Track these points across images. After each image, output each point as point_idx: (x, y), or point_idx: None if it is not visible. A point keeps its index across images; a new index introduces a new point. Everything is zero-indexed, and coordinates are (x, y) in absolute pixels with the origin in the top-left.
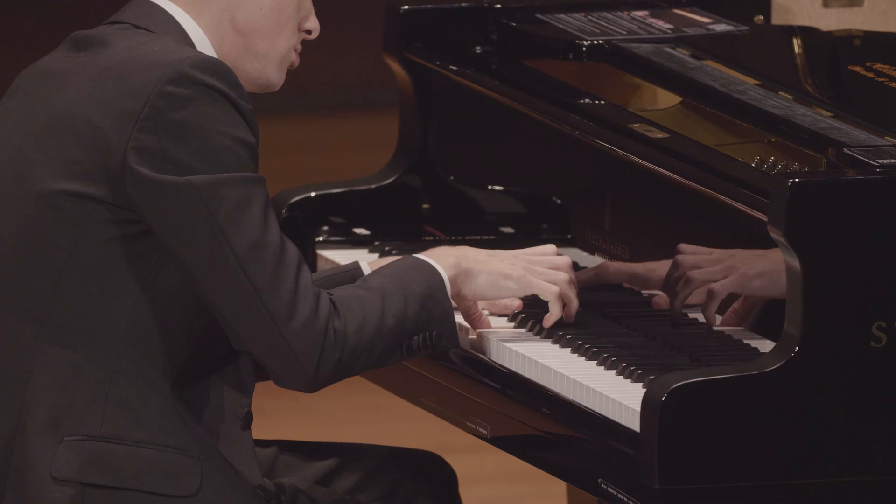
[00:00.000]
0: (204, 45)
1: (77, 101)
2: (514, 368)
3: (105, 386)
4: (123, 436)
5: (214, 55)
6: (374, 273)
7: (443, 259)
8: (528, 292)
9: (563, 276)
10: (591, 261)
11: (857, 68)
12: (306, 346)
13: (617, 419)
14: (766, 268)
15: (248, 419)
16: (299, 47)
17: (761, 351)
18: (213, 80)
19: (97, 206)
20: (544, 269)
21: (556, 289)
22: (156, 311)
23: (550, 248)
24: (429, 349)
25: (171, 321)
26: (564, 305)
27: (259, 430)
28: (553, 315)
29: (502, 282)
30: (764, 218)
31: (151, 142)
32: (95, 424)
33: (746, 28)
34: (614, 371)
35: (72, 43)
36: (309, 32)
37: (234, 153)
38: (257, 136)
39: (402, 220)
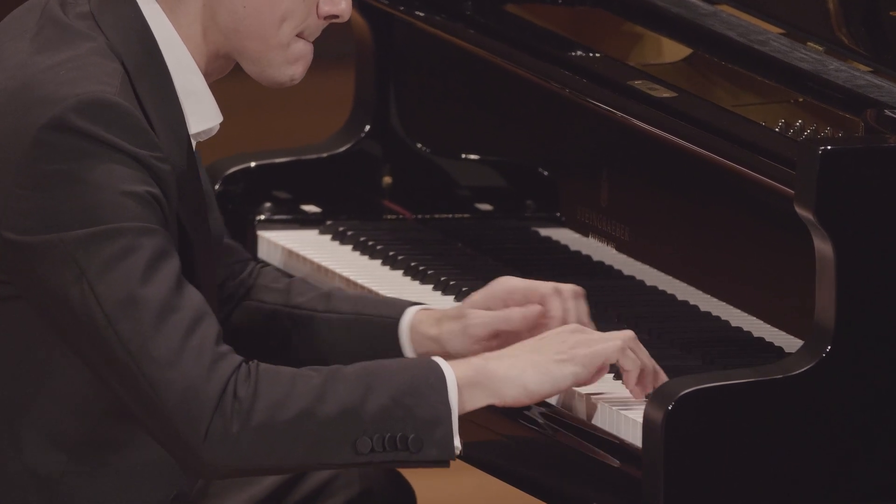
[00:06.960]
0: (174, 45)
1: None
2: None
3: None
4: None
5: (188, 56)
6: (355, 364)
7: (461, 361)
8: (595, 367)
9: (625, 333)
10: (583, 244)
11: None
12: (187, 417)
13: (614, 432)
14: None
15: (180, 497)
16: (318, 33)
17: (787, 350)
18: (95, 126)
19: None
20: (596, 334)
21: (615, 343)
22: (39, 382)
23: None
24: (402, 458)
25: (60, 392)
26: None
27: None
28: (630, 374)
29: (556, 370)
30: (790, 193)
31: (24, 197)
32: None
33: None
34: (611, 375)
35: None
36: (336, 17)
37: (115, 206)
38: (159, 178)
39: (358, 196)
